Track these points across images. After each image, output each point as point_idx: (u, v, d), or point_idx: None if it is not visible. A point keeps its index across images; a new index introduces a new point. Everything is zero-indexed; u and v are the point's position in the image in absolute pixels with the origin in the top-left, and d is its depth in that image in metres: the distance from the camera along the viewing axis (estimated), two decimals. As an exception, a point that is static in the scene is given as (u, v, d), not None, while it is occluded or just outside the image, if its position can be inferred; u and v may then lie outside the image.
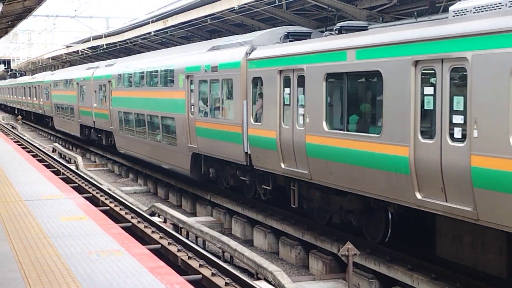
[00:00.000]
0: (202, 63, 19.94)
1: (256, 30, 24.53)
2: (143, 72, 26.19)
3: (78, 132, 38.23)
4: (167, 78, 23.23)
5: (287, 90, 15.50)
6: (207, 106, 19.77)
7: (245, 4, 23.46)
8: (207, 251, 15.16)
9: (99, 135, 34.40)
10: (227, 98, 18.59)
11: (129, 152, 28.46)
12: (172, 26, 32.22)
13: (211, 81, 19.32)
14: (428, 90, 11.13)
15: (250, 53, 17.42)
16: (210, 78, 19.33)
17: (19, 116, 66.24)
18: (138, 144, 26.75)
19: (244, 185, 19.04)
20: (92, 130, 35.24)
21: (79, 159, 32.37)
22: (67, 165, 27.76)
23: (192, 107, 20.66)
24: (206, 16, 27.73)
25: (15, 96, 70.34)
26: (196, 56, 21.10)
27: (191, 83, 20.75)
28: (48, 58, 69.02)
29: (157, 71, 24.43)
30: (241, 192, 19.51)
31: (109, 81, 30.46)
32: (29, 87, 58.27)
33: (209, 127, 19.41)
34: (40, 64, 76.78)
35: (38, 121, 58.73)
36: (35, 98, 55.18)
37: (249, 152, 17.21)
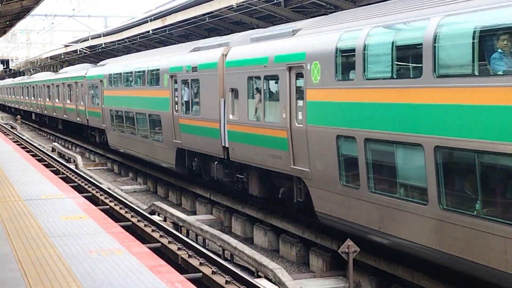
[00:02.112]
0: None
1: (254, 28, 24.46)
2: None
3: (171, 160, 22.90)
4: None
5: None
6: None
7: (243, 2, 23.47)
8: (207, 249, 15.18)
9: (240, 176, 18.70)
10: None
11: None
12: (171, 24, 32.25)
13: None
14: None
15: None
16: None
17: (18, 116, 66.22)
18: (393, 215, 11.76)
19: None
20: (217, 163, 19.90)
21: (79, 158, 32.34)
22: (67, 164, 27.75)
23: None
24: (204, 14, 27.77)
25: (32, 98, 56.95)
26: None
27: None
28: (47, 57, 69.05)
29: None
30: None
31: (298, 66, 14.50)
32: (57, 86, 44.02)
33: None
34: (38, 63, 76.79)
35: (74, 133, 43.89)
36: (68, 101, 40.91)
37: None
